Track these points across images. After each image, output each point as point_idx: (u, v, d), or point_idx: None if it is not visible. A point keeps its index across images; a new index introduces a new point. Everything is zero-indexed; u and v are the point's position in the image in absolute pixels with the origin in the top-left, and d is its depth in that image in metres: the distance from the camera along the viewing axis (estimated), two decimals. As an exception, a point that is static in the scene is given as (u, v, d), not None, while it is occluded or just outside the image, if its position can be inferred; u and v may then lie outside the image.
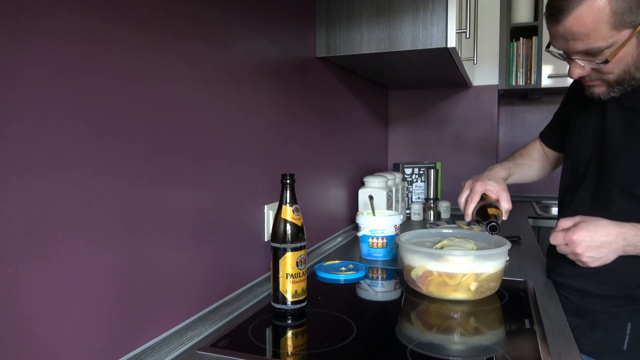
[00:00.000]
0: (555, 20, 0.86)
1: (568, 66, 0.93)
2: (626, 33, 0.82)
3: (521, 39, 2.49)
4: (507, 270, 1.22)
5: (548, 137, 1.30)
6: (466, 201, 1.07)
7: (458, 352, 0.79)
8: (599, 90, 0.94)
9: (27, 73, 0.56)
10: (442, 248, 1.10)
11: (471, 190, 1.08)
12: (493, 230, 0.98)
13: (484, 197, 1.07)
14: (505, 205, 1.06)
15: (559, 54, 0.93)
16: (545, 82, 2.41)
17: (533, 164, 1.31)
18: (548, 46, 0.95)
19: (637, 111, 0.94)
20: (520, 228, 1.81)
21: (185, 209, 0.84)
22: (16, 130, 0.55)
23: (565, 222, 0.94)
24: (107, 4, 0.67)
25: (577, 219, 0.93)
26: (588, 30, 0.83)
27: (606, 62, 0.86)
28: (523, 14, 2.47)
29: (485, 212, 1.02)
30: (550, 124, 1.30)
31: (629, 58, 0.86)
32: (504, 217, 1.05)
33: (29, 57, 0.56)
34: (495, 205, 1.05)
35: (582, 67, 0.90)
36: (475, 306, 0.98)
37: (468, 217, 1.06)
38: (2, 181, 0.53)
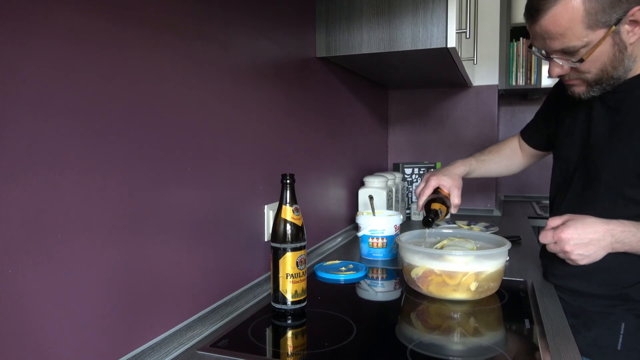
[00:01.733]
0: (533, 20, 0.89)
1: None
2: (601, 33, 0.85)
3: (521, 39, 2.49)
4: (507, 270, 1.22)
5: (529, 135, 1.32)
6: (420, 193, 1.18)
7: (458, 352, 0.79)
8: (579, 89, 0.96)
9: (27, 73, 0.56)
10: (442, 248, 1.10)
11: (425, 184, 1.18)
12: (426, 225, 1.09)
13: (437, 191, 1.17)
14: (455, 200, 1.16)
15: (540, 54, 0.96)
16: (545, 82, 2.41)
17: (500, 160, 1.36)
18: (530, 46, 0.98)
19: (620, 111, 0.95)
20: (520, 228, 1.81)
21: (185, 208, 0.84)
22: (16, 130, 0.55)
23: (554, 221, 0.95)
24: (107, 3, 0.67)
25: (565, 217, 0.94)
26: (563, 30, 0.85)
27: (581, 61, 0.88)
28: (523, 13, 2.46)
29: (429, 207, 1.14)
30: (532, 123, 1.32)
31: (605, 57, 0.88)
32: (453, 211, 1.17)
33: (29, 57, 0.56)
34: (443, 200, 1.14)
35: (560, 66, 0.93)
36: (475, 306, 0.98)
37: (419, 208, 1.17)
38: (2, 181, 0.53)
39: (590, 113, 1.02)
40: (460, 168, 1.25)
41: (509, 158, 1.36)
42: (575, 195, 1.04)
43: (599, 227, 0.90)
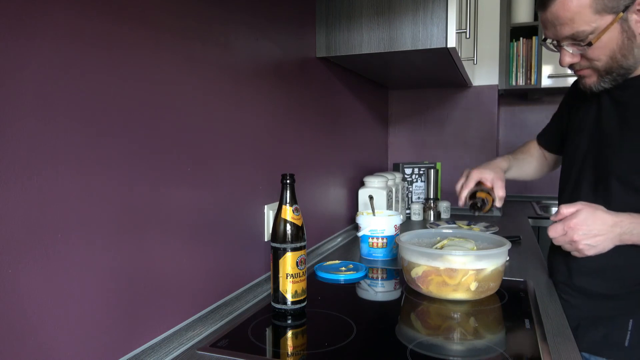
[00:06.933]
0: (544, 7, 0.93)
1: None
2: (609, 18, 0.88)
3: (521, 39, 2.49)
4: (507, 270, 1.22)
5: (545, 139, 1.33)
6: (462, 187, 1.15)
7: (458, 352, 0.79)
8: (590, 80, 0.98)
9: (27, 73, 0.56)
10: (442, 248, 1.10)
11: (467, 177, 1.15)
12: (473, 208, 1.05)
13: (479, 185, 1.13)
14: (500, 192, 1.12)
15: (551, 44, 0.99)
16: (545, 82, 2.40)
17: (532, 160, 1.35)
18: (544, 40, 1.00)
19: (629, 106, 0.97)
20: (520, 228, 1.81)
21: (185, 209, 0.84)
22: (16, 130, 0.55)
23: (568, 209, 0.94)
24: (107, 3, 0.67)
25: (578, 205, 0.94)
26: (572, 15, 0.89)
27: (590, 44, 0.91)
28: (523, 14, 2.46)
29: (474, 196, 1.09)
30: (547, 127, 1.33)
31: (613, 44, 0.90)
32: (498, 204, 1.12)
33: (29, 57, 0.56)
34: (488, 191, 1.10)
35: (571, 55, 0.95)
36: (475, 306, 0.98)
37: (461, 202, 1.13)
38: (2, 181, 0.53)
39: (599, 109, 1.04)
40: (502, 163, 1.23)
41: (537, 160, 1.35)
42: (586, 188, 1.05)
43: (608, 218, 0.91)
